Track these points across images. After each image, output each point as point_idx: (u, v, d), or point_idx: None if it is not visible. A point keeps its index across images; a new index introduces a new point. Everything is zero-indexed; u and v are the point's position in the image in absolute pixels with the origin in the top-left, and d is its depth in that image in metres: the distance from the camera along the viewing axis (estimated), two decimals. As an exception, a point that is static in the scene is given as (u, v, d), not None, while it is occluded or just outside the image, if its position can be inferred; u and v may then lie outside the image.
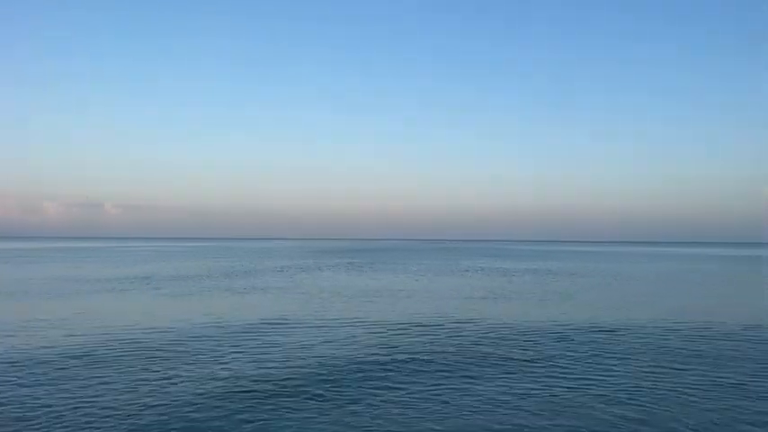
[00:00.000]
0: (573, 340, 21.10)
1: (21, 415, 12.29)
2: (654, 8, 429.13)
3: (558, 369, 16.75)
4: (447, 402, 13.46)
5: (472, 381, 15.35)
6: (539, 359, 17.97)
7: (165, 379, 15.17)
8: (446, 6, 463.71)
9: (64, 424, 11.77)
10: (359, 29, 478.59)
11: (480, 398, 13.80)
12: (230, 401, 13.27)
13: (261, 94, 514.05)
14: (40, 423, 11.81)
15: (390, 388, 14.59)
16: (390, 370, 16.39)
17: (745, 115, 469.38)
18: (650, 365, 17.22)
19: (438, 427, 11.83)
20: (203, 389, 14.25)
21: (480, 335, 22.03)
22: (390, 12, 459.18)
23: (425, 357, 18.00)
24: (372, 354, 18.44)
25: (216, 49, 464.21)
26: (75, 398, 13.43)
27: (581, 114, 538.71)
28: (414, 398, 13.78)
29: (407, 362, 17.40)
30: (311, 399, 13.61)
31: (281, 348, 19.27)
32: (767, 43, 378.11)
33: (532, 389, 14.60)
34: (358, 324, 24.55)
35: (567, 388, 14.70)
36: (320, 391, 14.15)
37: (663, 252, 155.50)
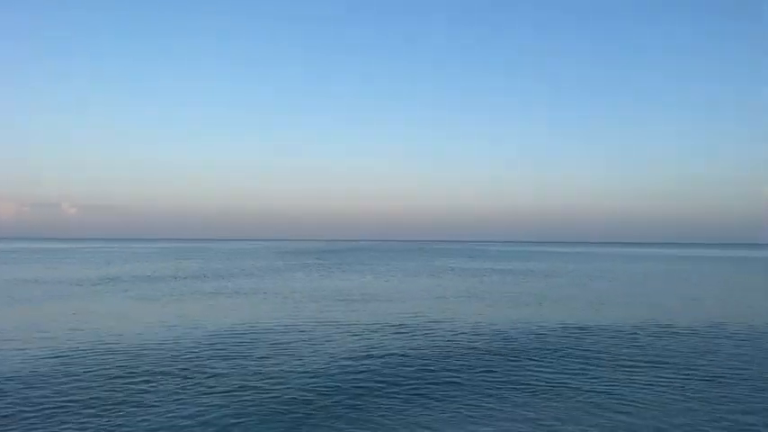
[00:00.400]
0: (548, 337, 21.38)
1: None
2: (653, 9, 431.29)
3: (534, 363, 17.03)
4: (430, 399, 13.51)
5: (455, 375, 15.47)
6: (516, 356, 18.17)
7: (140, 378, 14.94)
8: (446, 7, 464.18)
9: (42, 423, 11.55)
10: (358, 30, 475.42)
11: (461, 393, 13.91)
12: (209, 399, 13.12)
13: (261, 94, 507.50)
14: (19, 422, 11.57)
15: (375, 381, 14.60)
16: (370, 366, 16.41)
17: (745, 115, 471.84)
18: (626, 360, 17.57)
19: (426, 422, 11.88)
20: (181, 386, 14.09)
21: (455, 334, 22.17)
22: (390, 12, 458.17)
23: (402, 353, 18.07)
24: (350, 351, 18.45)
25: (216, 49, 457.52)
26: (51, 397, 13.18)
27: (580, 114, 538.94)
28: (396, 393, 13.81)
29: (386, 356, 17.46)
30: (295, 394, 13.52)
31: (257, 347, 19.16)
32: (767, 43, 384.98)
33: (514, 383, 14.78)
34: (329, 325, 24.48)
35: (546, 381, 14.93)
36: (303, 387, 14.08)
37: (656, 253, 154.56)
